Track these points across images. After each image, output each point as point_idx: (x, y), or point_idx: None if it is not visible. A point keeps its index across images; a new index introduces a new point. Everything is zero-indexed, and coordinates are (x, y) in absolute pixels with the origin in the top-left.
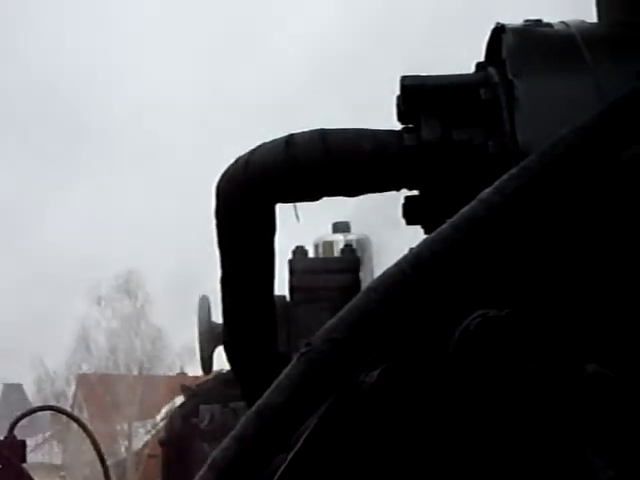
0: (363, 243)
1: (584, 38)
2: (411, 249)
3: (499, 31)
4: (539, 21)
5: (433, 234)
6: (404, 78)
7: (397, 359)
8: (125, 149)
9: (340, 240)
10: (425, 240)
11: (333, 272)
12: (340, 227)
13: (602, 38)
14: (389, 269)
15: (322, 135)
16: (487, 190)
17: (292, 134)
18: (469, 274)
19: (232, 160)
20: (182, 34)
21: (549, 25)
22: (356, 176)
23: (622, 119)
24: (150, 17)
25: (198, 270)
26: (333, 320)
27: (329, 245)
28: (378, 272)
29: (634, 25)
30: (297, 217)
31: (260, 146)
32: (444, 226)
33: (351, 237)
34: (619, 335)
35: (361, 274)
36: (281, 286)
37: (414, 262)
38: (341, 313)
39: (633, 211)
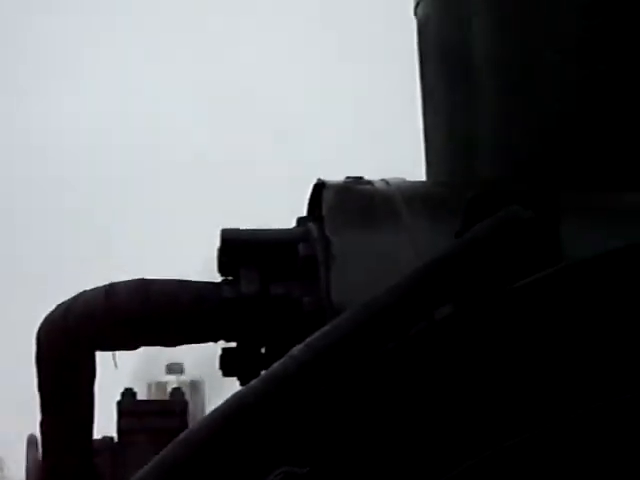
0: (196, 385)
1: (403, 197)
2: (226, 401)
3: (320, 187)
4: (360, 178)
5: (243, 389)
6: (224, 231)
7: None
8: None
9: (173, 381)
10: (235, 394)
11: (159, 414)
12: (174, 368)
13: (421, 197)
14: (202, 422)
15: (142, 285)
16: (298, 346)
17: (112, 283)
18: (277, 429)
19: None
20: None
21: (369, 182)
22: (175, 327)
23: (436, 279)
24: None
25: None
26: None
27: (162, 386)
28: None
29: (455, 186)
30: (115, 364)
31: (81, 294)
32: (255, 381)
33: (184, 378)
34: None
35: (190, 417)
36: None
37: (225, 414)
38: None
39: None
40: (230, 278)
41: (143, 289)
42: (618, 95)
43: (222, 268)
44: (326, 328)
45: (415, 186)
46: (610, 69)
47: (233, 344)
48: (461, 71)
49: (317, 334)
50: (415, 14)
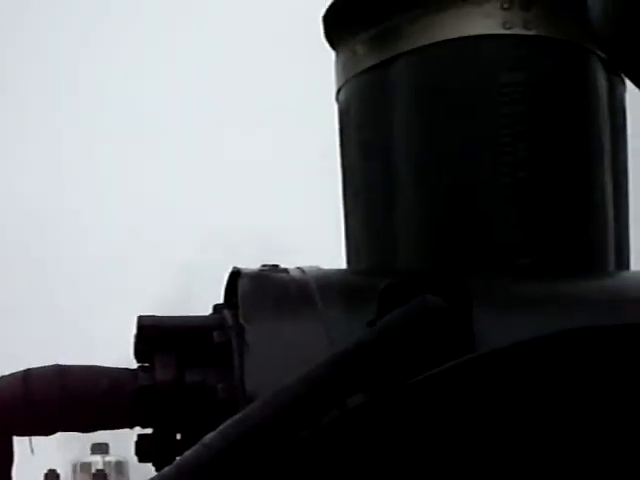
0: (121, 466)
1: (319, 285)
2: None
3: (235, 275)
4: (276, 266)
5: (156, 476)
6: (141, 318)
7: None
8: None
9: (98, 462)
10: None
11: None
12: (99, 448)
13: (337, 286)
14: None
15: (59, 372)
16: (211, 434)
17: (29, 369)
18: None
19: None
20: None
21: (285, 270)
22: (92, 413)
23: (347, 368)
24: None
25: None
26: None
27: (86, 467)
28: None
29: (371, 274)
30: (32, 450)
31: None
32: (168, 468)
33: (109, 459)
34: None
35: None
36: None
37: None
38: None
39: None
40: (146, 365)
41: (60, 375)
42: (534, 194)
43: (138, 355)
44: (238, 416)
45: (331, 274)
46: (531, 174)
47: (149, 430)
48: (381, 161)
49: (229, 422)
50: (337, 100)
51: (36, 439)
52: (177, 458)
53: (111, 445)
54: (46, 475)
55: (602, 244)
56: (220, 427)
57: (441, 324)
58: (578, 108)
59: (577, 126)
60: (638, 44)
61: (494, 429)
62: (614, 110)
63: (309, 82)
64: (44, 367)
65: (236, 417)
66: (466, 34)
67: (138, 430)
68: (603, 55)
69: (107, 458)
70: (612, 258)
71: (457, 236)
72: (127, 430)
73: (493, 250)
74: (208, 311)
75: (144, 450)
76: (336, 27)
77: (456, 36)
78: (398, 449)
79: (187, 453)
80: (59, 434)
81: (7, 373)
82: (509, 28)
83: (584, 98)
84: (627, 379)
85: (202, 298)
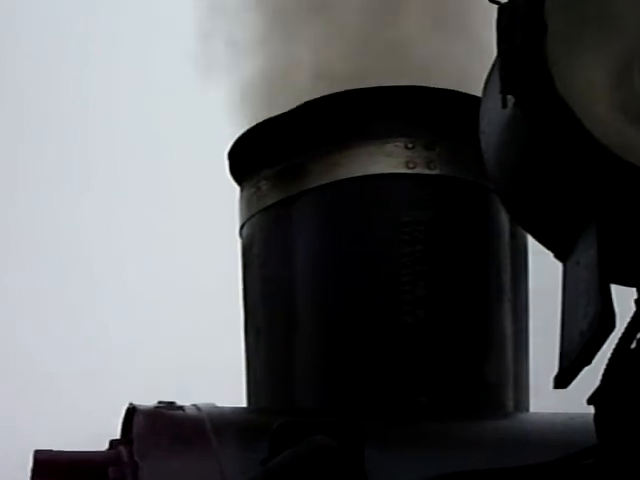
0: None
1: (213, 423)
2: None
3: (131, 412)
4: (172, 403)
5: None
6: (37, 452)
7: None
8: None
9: None
10: None
11: None
12: None
13: (231, 424)
14: None
15: None
16: None
17: None
18: None
19: None
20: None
21: (181, 408)
22: None
23: None
24: None
25: None
26: None
27: None
28: None
29: (266, 414)
30: None
31: None
32: None
33: None
34: None
35: None
36: None
37: None
38: None
39: None
40: None
41: None
42: (434, 333)
43: None
44: None
45: (227, 412)
46: (430, 313)
47: None
48: (283, 299)
49: None
50: (240, 235)
51: None
52: None
53: None
54: None
55: (500, 383)
56: None
57: (331, 464)
58: (479, 248)
59: (478, 266)
60: (525, 196)
61: None
62: (516, 250)
63: (213, 217)
64: None
65: None
66: (369, 173)
67: None
68: None
69: None
70: (510, 396)
71: (356, 374)
72: None
73: (392, 388)
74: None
75: None
76: (241, 163)
77: (359, 175)
78: None
79: None
80: None
81: None
82: (412, 167)
83: (486, 238)
84: None
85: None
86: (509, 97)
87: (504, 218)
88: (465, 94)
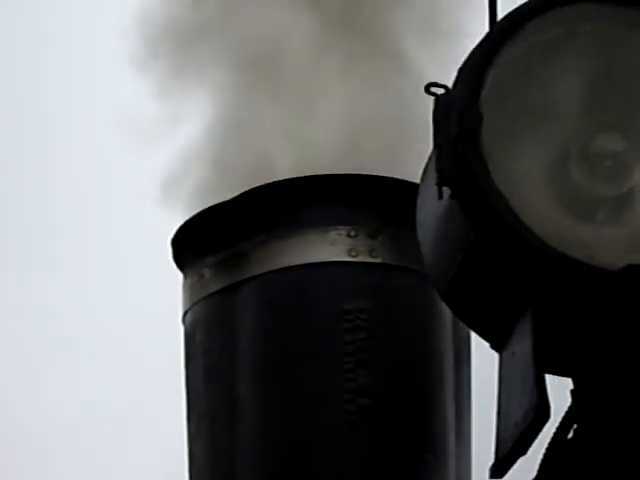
0: None
1: None
2: None
3: None
4: None
5: None
6: None
7: None
8: None
9: None
10: None
11: None
12: None
13: None
14: None
15: None
16: None
17: None
18: None
19: None
20: None
21: None
22: None
23: None
24: None
25: None
26: None
27: None
28: None
29: None
30: None
31: None
32: None
33: None
34: None
35: None
36: None
37: None
38: None
39: None
40: None
41: None
42: (376, 421)
43: None
44: None
45: None
46: (373, 401)
47: None
48: (226, 386)
49: None
50: (183, 322)
51: None
52: None
53: None
54: None
55: (442, 472)
56: None
57: None
58: (422, 336)
59: (420, 354)
60: (461, 287)
61: None
62: (459, 339)
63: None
64: None
65: None
66: (311, 261)
67: None
68: None
69: None
70: None
71: (298, 461)
72: None
73: (333, 475)
74: None
75: None
76: (184, 250)
77: (301, 263)
78: None
79: None
80: None
81: None
82: (355, 256)
83: (428, 326)
84: None
85: None
86: (445, 189)
87: (447, 308)
88: (407, 182)
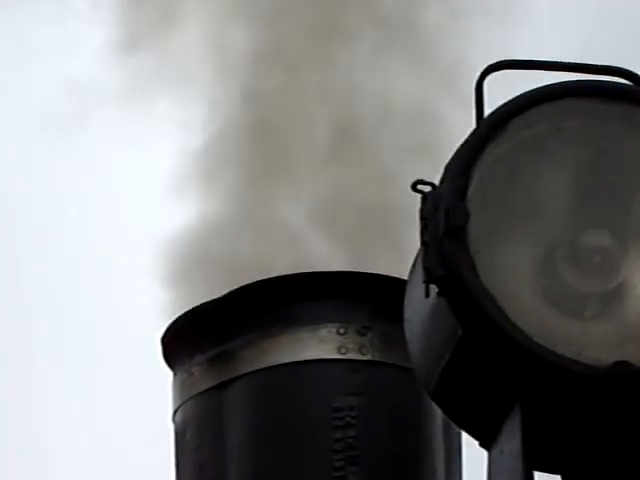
0: None
1: None
2: None
3: None
4: None
5: None
6: None
7: None
8: None
9: None
10: None
11: None
12: None
13: None
14: None
15: None
16: None
17: None
18: None
19: None
20: None
21: None
22: None
23: None
24: None
25: None
26: None
27: None
28: None
29: None
30: None
31: None
32: None
33: None
34: None
35: None
36: None
37: None
38: None
39: None
40: None
41: None
42: None
43: None
44: None
45: None
46: None
47: None
48: None
49: None
50: (173, 421)
51: None
52: None
53: None
54: None
55: None
56: None
57: None
58: (412, 433)
59: (410, 450)
60: (449, 385)
61: None
62: (449, 433)
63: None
64: None
65: None
66: (301, 359)
67: None
68: None
69: None
70: None
71: None
72: None
73: None
74: None
75: None
76: (173, 348)
77: (290, 361)
78: None
79: None
80: None
81: None
82: (344, 353)
83: (418, 423)
84: None
85: None
86: (432, 286)
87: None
88: (397, 279)
